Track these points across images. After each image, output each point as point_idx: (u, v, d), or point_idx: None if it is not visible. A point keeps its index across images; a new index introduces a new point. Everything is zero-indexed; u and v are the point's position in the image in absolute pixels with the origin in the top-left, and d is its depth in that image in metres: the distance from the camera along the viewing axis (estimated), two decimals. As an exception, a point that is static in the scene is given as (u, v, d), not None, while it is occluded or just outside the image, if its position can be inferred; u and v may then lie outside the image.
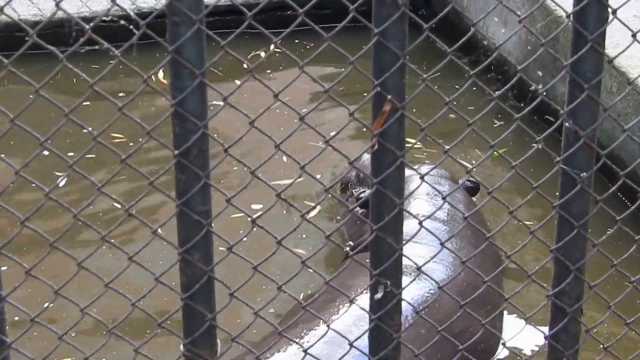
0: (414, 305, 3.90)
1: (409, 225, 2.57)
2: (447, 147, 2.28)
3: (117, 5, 1.86)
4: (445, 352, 3.62)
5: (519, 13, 2.26)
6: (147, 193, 2.11)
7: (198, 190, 1.99)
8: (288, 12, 7.10)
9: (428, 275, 2.73)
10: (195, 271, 2.05)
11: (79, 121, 1.90)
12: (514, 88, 6.40)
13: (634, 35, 2.42)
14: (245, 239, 2.25)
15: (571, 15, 2.24)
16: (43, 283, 2.02)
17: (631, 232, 2.81)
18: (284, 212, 5.10)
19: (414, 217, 2.40)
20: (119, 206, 5.03)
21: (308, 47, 7.03)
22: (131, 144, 5.80)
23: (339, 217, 5.24)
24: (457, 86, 6.55)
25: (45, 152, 1.92)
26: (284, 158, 5.42)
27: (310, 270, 2.28)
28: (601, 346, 2.73)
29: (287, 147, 2.14)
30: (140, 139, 1.98)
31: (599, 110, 2.30)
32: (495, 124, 6.30)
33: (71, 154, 5.59)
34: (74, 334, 4.18)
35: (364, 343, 2.31)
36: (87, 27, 1.77)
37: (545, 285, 2.51)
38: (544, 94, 2.40)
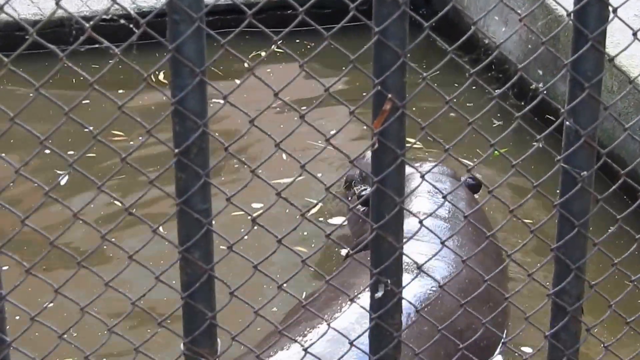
0: (417, 303, 3.90)
1: (410, 224, 2.58)
2: (447, 146, 2.28)
3: (118, 4, 1.86)
4: (449, 349, 3.62)
5: (519, 12, 2.26)
6: (147, 191, 2.11)
7: (198, 189, 1.99)
8: (288, 12, 7.10)
9: (429, 274, 2.73)
10: (195, 270, 2.05)
11: (79, 120, 1.90)
12: (514, 87, 6.39)
13: (634, 34, 2.42)
14: (246, 237, 2.24)
15: (572, 14, 2.24)
16: (44, 283, 2.02)
17: (632, 230, 2.81)
18: (286, 210, 5.10)
19: (415, 215, 2.40)
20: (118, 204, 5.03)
21: (309, 46, 7.02)
22: (131, 142, 5.80)
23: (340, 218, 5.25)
24: (456, 84, 6.56)
25: (47, 151, 1.92)
26: (283, 156, 5.43)
27: (314, 268, 2.28)
28: (602, 345, 2.72)
29: (291, 147, 2.14)
30: (140, 137, 1.97)
31: (600, 109, 2.30)
32: (495, 123, 6.30)
33: (71, 152, 5.59)
34: (75, 334, 4.19)
35: (366, 342, 2.30)
36: (87, 25, 1.77)
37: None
38: (545, 92, 2.40)
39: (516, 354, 3.61)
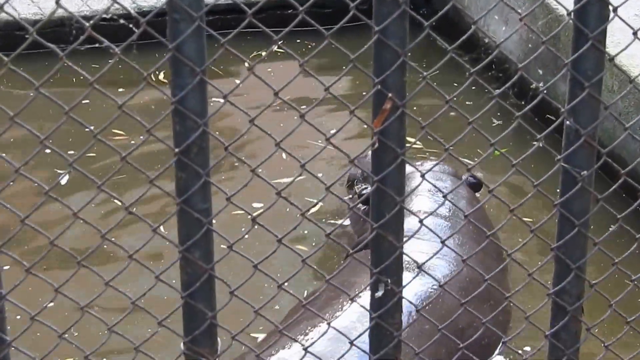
0: (418, 301, 3.91)
1: (411, 222, 2.57)
2: (447, 145, 2.28)
3: (118, 3, 1.86)
4: (450, 348, 3.62)
5: (519, 11, 2.26)
6: (147, 191, 2.11)
7: (198, 188, 1.99)
8: (289, 11, 7.10)
9: (429, 273, 2.73)
10: (195, 269, 2.05)
11: (79, 119, 1.90)
12: (514, 86, 6.39)
13: (634, 33, 2.42)
14: (247, 236, 2.24)
15: (572, 13, 2.24)
16: (46, 282, 2.02)
17: (632, 230, 2.81)
18: (287, 209, 5.10)
19: (415, 215, 2.40)
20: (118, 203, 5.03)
21: (310, 46, 7.02)
22: (132, 141, 5.80)
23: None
24: (455, 84, 6.56)
25: (47, 150, 1.92)
26: (283, 155, 5.43)
27: (314, 267, 2.28)
28: (602, 344, 2.72)
29: (291, 146, 2.14)
30: (141, 137, 1.97)
31: (600, 108, 2.30)
32: (494, 123, 6.30)
33: (72, 152, 5.59)
34: (76, 333, 4.19)
35: (367, 340, 2.30)
36: (87, 24, 1.77)
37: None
38: (545, 92, 2.40)
39: (518, 353, 3.61)
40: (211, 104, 1.98)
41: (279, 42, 1.97)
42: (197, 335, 2.09)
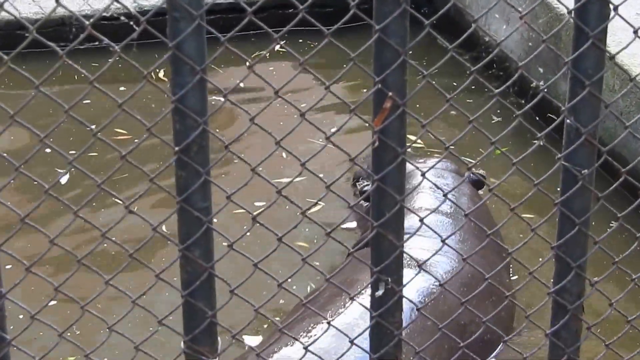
0: (420, 297, 3.91)
1: (413, 220, 2.57)
2: (448, 144, 2.28)
3: (120, 3, 1.86)
4: (453, 343, 3.62)
5: (520, 10, 2.26)
6: (147, 190, 2.11)
7: (198, 187, 1.99)
8: (290, 10, 7.11)
9: (429, 273, 2.73)
10: (195, 268, 2.05)
11: (79, 118, 1.90)
12: (515, 85, 6.40)
13: (635, 32, 2.42)
14: (248, 233, 2.24)
15: (572, 12, 2.24)
16: (45, 282, 2.02)
17: (633, 229, 2.81)
18: (286, 207, 5.10)
19: (415, 214, 2.39)
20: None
21: (312, 45, 7.03)
22: (136, 140, 5.80)
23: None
24: (455, 83, 6.56)
25: (47, 150, 1.92)
26: (283, 154, 5.43)
27: (317, 264, 2.28)
28: (603, 344, 2.72)
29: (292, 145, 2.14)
30: (145, 135, 1.97)
31: (601, 107, 2.30)
32: (494, 119, 6.30)
33: (72, 152, 5.59)
34: (78, 332, 4.19)
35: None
36: (87, 23, 1.77)
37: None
38: (545, 90, 2.40)
39: (518, 352, 3.60)
40: (212, 103, 1.98)
41: (281, 42, 1.97)
42: (197, 334, 2.09)
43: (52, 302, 2.18)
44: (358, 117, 2.14)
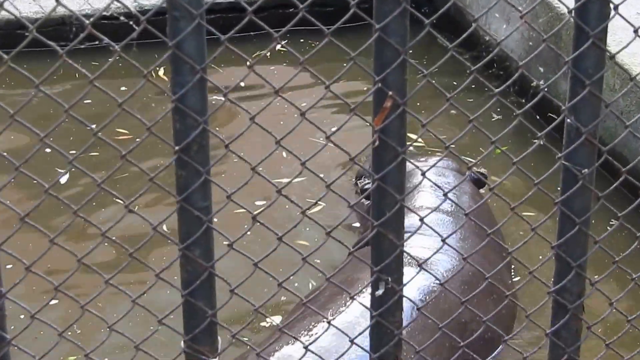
0: (422, 295, 3.91)
1: (414, 218, 2.57)
2: (448, 143, 2.28)
3: (120, 2, 1.86)
4: (453, 342, 3.62)
5: (520, 9, 2.25)
6: (147, 189, 2.10)
7: (199, 186, 1.99)
8: (290, 10, 7.11)
9: (430, 272, 2.73)
10: (195, 267, 2.04)
11: (80, 117, 1.90)
12: (515, 84, 6.40)
13: (635, 31, 2.42)
14: (249, 232, 2.24)
15: (573, 11, 2.24)
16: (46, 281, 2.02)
17: (633, 228, 2.81)
18: (286, 207, 5.10)
19: (416, 213, 2.39)
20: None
21: (313, 45, 7.03)
22: (137, 139, 5.79)
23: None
24: (455, 82, 6.55)
25: (48, 150, 1.92)
26: (283, 154, 5.43)
27: (317, 262, 2.28)
28: (604, 344, 2.72)
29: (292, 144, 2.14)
30: (145, 134, 1.97)
31: (601, 106, 2.30)
32: (494, 117, 6.30)
33: (73, 151, 5.59)
34: (79, 331, 4.19)
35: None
36: (87, 22, 1.77)
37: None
38: (546, 90, 2.40)
39: (518, 351, 3.60)
40: (213, 102, 1.97)
41: (282, 41, 1.96)
42: (197, 333, 2.09)
43: (53, 302, 2.17)
44: (358, 116, 2.14)
